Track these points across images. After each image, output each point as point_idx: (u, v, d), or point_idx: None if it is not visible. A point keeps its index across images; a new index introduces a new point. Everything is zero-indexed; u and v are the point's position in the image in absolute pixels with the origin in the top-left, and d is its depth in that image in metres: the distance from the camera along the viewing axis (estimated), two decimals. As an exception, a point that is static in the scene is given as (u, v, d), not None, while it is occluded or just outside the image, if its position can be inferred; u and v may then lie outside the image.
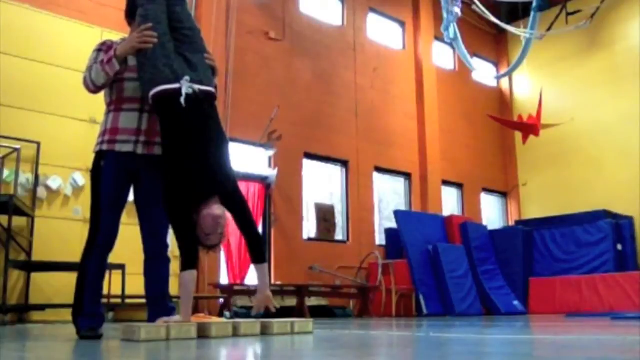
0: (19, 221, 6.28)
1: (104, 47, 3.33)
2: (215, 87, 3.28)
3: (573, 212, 11.49)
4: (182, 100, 2.99)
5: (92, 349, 2.60)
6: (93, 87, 3.26)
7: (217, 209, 2.97)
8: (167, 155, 3.08)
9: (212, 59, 3.37)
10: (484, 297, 9.95)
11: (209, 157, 3.04)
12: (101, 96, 3.45)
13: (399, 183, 12.20)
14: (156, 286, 3.33)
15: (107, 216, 3.18)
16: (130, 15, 3.40)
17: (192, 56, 3.20)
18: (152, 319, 3.21)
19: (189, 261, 2.98)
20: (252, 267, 8.04)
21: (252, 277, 8.20)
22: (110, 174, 3.18)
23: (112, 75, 3.18)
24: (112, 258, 6.99)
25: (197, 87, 3.07)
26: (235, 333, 3.08)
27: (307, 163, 10.37)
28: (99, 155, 3.23)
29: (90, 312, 3.12)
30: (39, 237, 6.53)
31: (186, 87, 3.02)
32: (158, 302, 3.29)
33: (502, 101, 14.91)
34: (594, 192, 12.45)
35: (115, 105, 3.27)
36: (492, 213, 14.26)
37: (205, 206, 2.96)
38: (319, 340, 2.96)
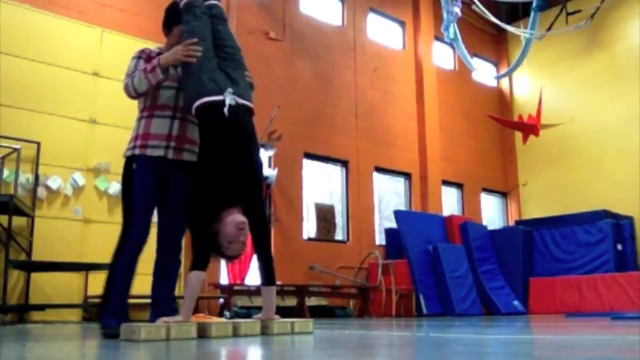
0: (19, 221, 6.28)
1: (144, 55, 3.45)
2: (252, 87, 3.46)
3: (573, 212, 11.48)
4: (225, 110, 3.11)
5: (92, 349, 2.60)
6: (134, 94, 3.34)
7: (240, 215, 3.03)
8: (202, 160, 3.16)
9: (251, 76, 3.50)
10: (484, 297, 9.95)
11: (245, 165, 3.14)
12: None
13: (399, 183, 12.20)
14: (164, 287, 3.42)
15: (140, 219, 3.26)
16: (167, 26, 3.54)
17: (233, 72, 3.33)
18: (153, 318, 3.25)
19: (200, 262, 3.00)
20: (252, 267, 8.07)
21: (252, 277, 8.20)
22: (143, 178, 3.27)
23: (154, 83, 3.29)
24: (112, 258, 6.96)
25: (240, 100, 3.20)
26: (235, 333, 3.08)
27: (307, 163, 10.37)
28: (131, 159, 3.33)
29: (115, 311, 3.19)
30: (39, 237, 6.53)
31: (229, 98, 3.15)
32: (162, 303, 3.36)
33: (502, 101, 14.91)
34: (594, 192, 12.44)
35: (148, 112, 3.38)
36: (492, 213, 14.26)
37: (228, 213, 3.01)
38: (319, 340, 2.95)
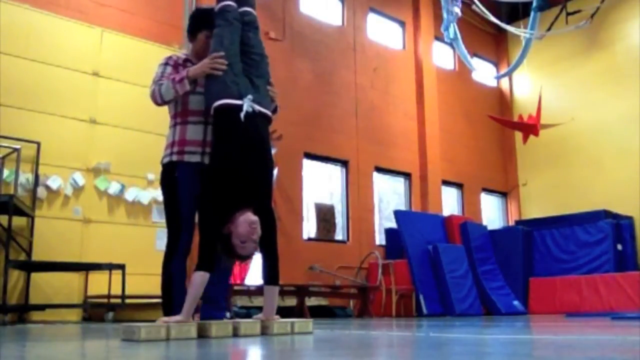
0: (19, 221, 6.28)
1: (171, 62, 3.56)
2: (275, 110, 3.55)
3: (573, 212, 11.48)
4: (242, 115, 3.19)
5: (92, 349, 2.60)
6: (160, 101, 3.45)
7: (252, 215, 3.09)
8: (214, 162, 3.24)
9: (275, 92, 3.61)
10: (484, 297, 9.94)
11: (256, 169, 3.22)
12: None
13: (399, 183, 12.20)
14: (213, 288, 3.54)
15: (189, 224, 3.36)
16: (191, 33, 3.66)
17: (257, 80, 3.45)
18: (204, 317, 3.43)
19: (206, 263, 3.03)
20: (252, 267, 8.07)
21: (252, 277, 8.20)
22: (186, 184, 3.37)
23: (180, 94, 3.40)
24: (112, 258, 7.03)
25: (257, 107, 3.28)
26: (235, 333, 3.08)
27: (307, 163, 10.37)
28: (170, 166, 3.44)
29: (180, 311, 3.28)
30: (39, 237, 6.53)
31: (247, 104, 3.23)
32: (213, 301, 3.52)
33: (502, 101, 14.91)
34: (594, 192, 12.44)
35: (181, 118, 3.49)
36: (492, 213, 14.26)
37: (240, 214, 3.07)
38: (319, 340, 2.95)
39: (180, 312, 3.08)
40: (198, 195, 3.25)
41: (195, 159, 3.40)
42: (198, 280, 3.00)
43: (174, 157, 3.42)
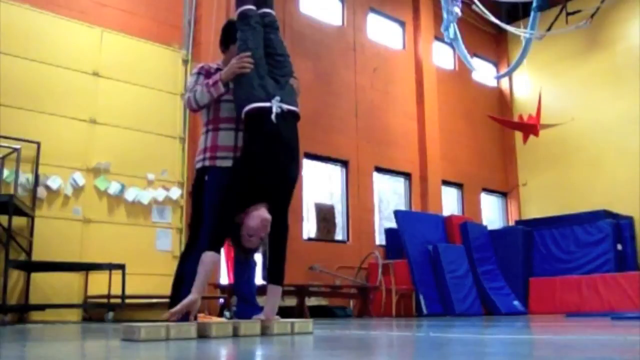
0: (19, 221, 6.28)
1: (203, 71, 3.70)
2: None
3: (573, 212, 11.48)
4: (273, 117, 3.29)
5: (92, 349, 2.60)
6: (196, 106, 3.59)
7: (266, 212, 3.17)
8: (244, 158, 3.33)
9: (296, 78, 3.73)
10: (484, 297, 9.95)
11: (280, 171, 3.29)
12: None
13: (399, 183, 12.20)
14: (246, 287, 3.73)
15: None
16: (224, 44, 3.77)
17: (282, 79, 3.55)
18: (240, 315, 3.59)
19: (215, 244, 3.12)
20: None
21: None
22: (213, 188, 3.45)
23: (215, 96, 3.51)
24: (112, 258, 7.02)
25: (285, 106, 3.39)
26: (235, 333, 3.08)
27: (307, 163, 10.37)
28: (202, 170, 3.57)
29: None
30: (39, 237, 6.53)
31: (276, 106, 3.33)
32: (248, 301, 3.66)
33: (502, 101, 14.91)
34: (594, 192, 12.44)
35: (213, 125, 3.63)
36: (492, 213, 14.25)
37: (255, 208, 3.14)
38: (319, 340, 2.96)
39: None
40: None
41: (227, 163, 3.49)
42: (208, 260, 3.07)
43: (207, 162, 3.55)
